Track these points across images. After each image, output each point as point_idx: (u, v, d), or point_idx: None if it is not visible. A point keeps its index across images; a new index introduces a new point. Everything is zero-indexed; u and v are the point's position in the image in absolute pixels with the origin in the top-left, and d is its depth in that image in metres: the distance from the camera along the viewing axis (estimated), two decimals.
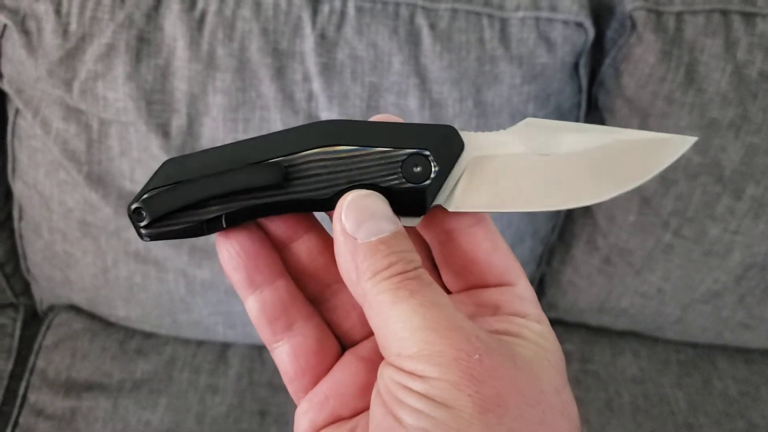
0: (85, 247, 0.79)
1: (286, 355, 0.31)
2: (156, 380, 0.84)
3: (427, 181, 0.28)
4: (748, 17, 0.71)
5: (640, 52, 0.73)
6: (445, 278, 0.32)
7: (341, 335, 0.32)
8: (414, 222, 0.29)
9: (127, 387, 0.83)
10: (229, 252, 0.29)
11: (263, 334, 0.31)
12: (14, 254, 0.86)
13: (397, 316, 0.25)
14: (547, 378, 0.26)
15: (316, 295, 0.32)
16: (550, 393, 0.26)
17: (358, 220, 0.27)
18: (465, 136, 0.29)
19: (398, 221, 0.28)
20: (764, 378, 0.92)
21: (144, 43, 0.68)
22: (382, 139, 0.28)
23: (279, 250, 0.31)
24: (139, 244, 0.77)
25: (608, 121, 0.78)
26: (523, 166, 0.29)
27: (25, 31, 0.68)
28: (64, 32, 0.68)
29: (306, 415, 0.30)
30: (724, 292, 0.86)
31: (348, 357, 0.31)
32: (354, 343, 0.32)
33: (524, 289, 0.30)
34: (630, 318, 0.92)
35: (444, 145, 0.29)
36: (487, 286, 0.30)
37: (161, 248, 0.77)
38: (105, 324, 0.88)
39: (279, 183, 0.28)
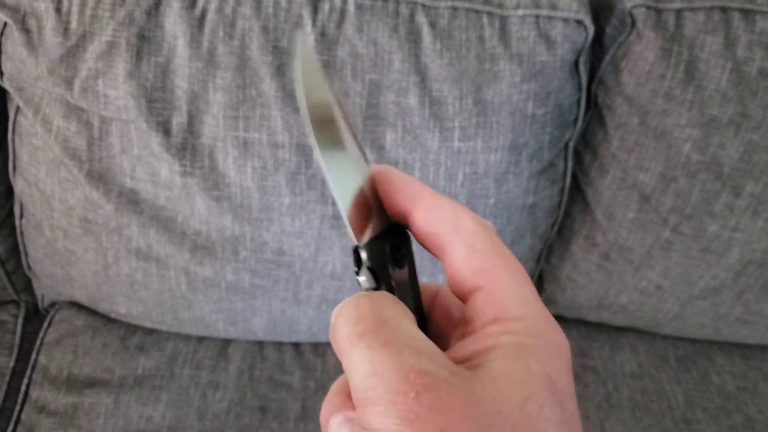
0: (86, 245, 0.79)
1: None
2: (157, 376, 0.84)
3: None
4: (748, 14, 0.71)
5: (639, 49, 0.73)
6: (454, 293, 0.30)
7: None
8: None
9: (128, 383, 0.83)
10: None
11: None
12: (15, 251, 0.87)
13: (350, 364, 0.24)
14: (510, 390, 0.23)
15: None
16: (512, 408, 0.23)
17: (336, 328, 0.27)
18: None
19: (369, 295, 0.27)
20: (762, 373, 0.93)
21: (144, 41, 0.68)
22: None
23: None
24: (140, 242, 0.77)
25: (608, 118, 0.78)
26: None
27: (25, 30, 0.68)
28: (65, 30, 0.68)
29: None
30: (722, 288, 0.86)
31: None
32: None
33: (500, 285, 0.27)
34: (629, 314, 0.92)
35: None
36: (469, 293, 0.28)
37: (163, 246, 0.77)
38: (106, 320, 0.89)
39: None
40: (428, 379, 0.23)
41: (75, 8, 0.68)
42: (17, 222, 0.84)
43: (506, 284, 0.27)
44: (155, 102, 0.70)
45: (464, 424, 0.22)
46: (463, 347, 0.26)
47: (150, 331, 0.89)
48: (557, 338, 0.26)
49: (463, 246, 0.27)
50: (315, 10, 0.69)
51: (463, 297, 0.28)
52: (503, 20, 0.70)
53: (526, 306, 0.26)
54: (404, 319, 0.25)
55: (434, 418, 0.22)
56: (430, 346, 0.24)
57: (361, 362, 0.23)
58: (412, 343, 0.24)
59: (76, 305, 0.90)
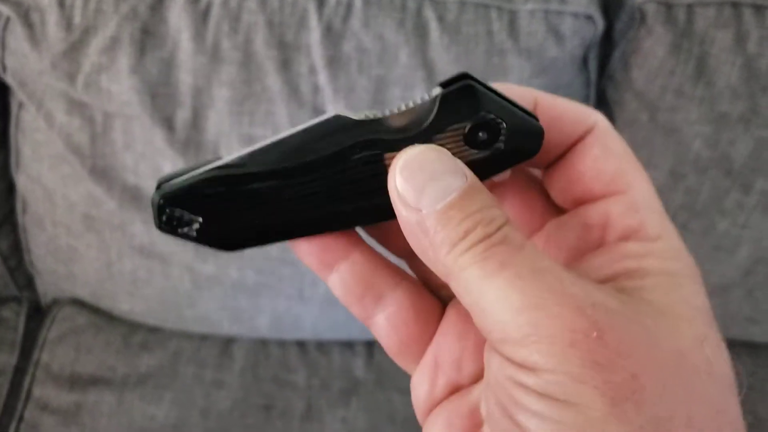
0: (89, 241, 0.78)
1: (383, 329, 0.27)
2: (161, 375, 0.83)
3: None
4: (759, 10, 0.70)
5: (649, 44, 0.72)
6: (554, 195, 0.27)
7: (437, 289, 0.28)
8: (504, 176, 0.26)
9: (131, 381, 0.82)
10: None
11: (354, 312, 0.27)
12: (18, 248, 0.86)
13: (491, 295, 0.20)
14: (686, 327, 0.21)
15: (401, 250, 0.28)
16: (692, 350, 0.21)
17: (417, 188, 0.22)
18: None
19: (465, 169, 0.22)
20: None
21: (148, 36, 0.68)
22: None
23: None
24: (144, 239, 0.77)
25: (617, 114, 0.77)
26: None
27: (28, 24, 0.67)
28: (68, 25, 0.67)
29: (421, 387, 0.27)
30: (731, 286, 0.85)
31: (450, 313, 0.27)
32: (452, 296, 0.28)
33: (638, 194, 0.24)
34: None
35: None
36: (595, 198, 0.25)
37: (166, 243, 0.76)
38: (109, 318, 0.88)
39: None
40: (606, 315, 0.20)
41: (78, 2, 0.67)
42: (19, 218, 0.83)
43: (643, 194, 0.24)
44: (159, 97, 0.69)
45: (654, 370, 0.20)
46: (598, 267, 0.23)
47: (153, 329, 0.88)
48: (688, 259, 0.23)
49: (598, 146, 0.24)
50: (321, 4, 0.68)
51: (584, 200, 0.25)
52: (512, 15, 0.69)
53: (663, 222, 0.24)
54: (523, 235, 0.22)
55: (623, 363, 0.19)
56: (566, 269, 0.21)
57: (510, 293, 0.20)
58: (558, 267, 0.21)
59: (78, 302, 0.89)
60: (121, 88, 0.69)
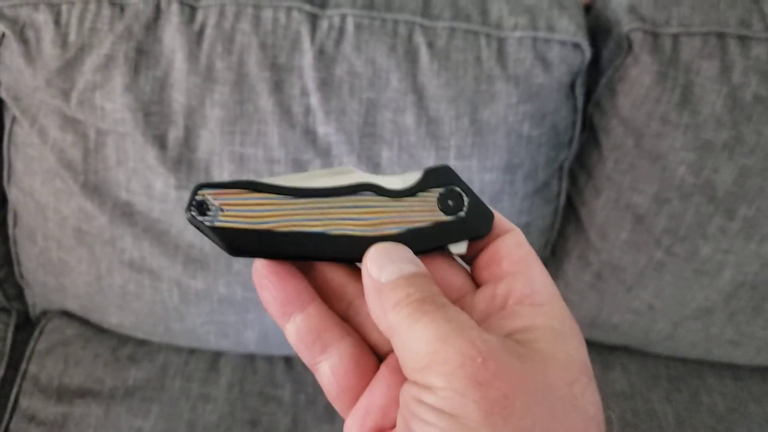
0: (79, 255, 0.79)
1: (326, 376, 0.32)
2: (148, 388, 0.84)
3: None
4: (744, 41, 0.71)
5: (636, 72, 0.73)
6: (477, 274, 0.33)
7: (373, 348, 0.34)
8: (462, 248, 0.32)
9: (119, 394, 0.83)
10: (263, 286, 0.32)
11: (303, 358, 0.32)
12: (8, 260, 0.86)
13: (412, 334, 0.27)
14: (558, 371, 0.27)
15: (343, 311, 0.34)
16: (560, 386, 0.26)
17: (381, 265, 0.29)
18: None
19: (420, 264, 0.30)
20: (752, 394, 0.93)
21: (143, 55, 0.68)
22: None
23: (304, 272, 0.33)
24: (134, 254, 0.77)
25: (603, 140, 0.78)
26: None
27: (23, 41, 0.68)
28: (63, 42, 0.68)
29: (350, 430, 0.32)
30: (714, 309, 0.87)
31: (382, 369, 0.32)
32: (386, 355, 0.33)
33: (535, 273, 0.31)
34: (620, 333, 0.92)
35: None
36: (504, 275, 0.31)
37: (156, 258, 0.77)
38: (98, 330, 0.88)
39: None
40: (491, 348, 0.26)
41: (74, 20, 0.68)
42: (10, 231, 0.84)
43: (538, 273, 0.31)
44: (152, 115, 0.70)
45: (522, 393, 0.25)
46: (499, 326, 0.29)
47: (141, 342, 0.88)
48: (571, 323, 0.29)
49: (511, 239, 0.32)
50: (314, 28, 0.69)
51: (498, 276, 0.32)
52: (501, 42, 0.70)
53: (552, 294, 0.30)
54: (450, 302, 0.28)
55: (498, 384, 0.25)
56: (473, 323, 0.27)
57: (425, 331, 0.26)
58: (467, 319, 0.27)
59: (67, 314, 0.90)
60: (114, 105, 0.69)
